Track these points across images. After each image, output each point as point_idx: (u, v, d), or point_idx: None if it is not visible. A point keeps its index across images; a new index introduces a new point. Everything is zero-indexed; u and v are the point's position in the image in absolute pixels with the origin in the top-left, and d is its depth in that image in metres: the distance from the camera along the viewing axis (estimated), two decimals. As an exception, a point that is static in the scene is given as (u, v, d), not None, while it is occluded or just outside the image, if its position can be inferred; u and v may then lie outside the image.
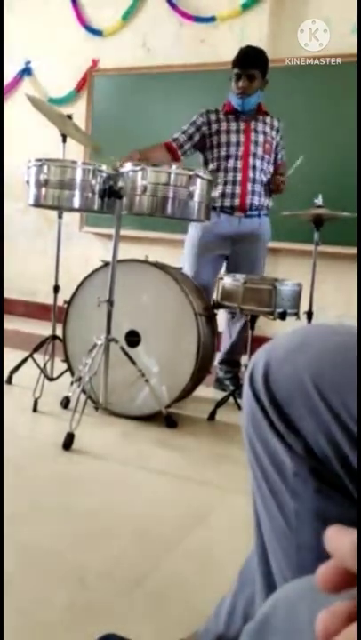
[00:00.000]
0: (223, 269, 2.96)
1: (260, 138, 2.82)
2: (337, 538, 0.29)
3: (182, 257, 2.98)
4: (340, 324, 0.70)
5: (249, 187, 2.80)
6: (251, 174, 2.80)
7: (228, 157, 2.80)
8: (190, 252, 2.93)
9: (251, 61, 2.70)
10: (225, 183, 2.80)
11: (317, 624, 0.28)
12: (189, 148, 2.85)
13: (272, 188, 2.88)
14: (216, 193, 2.74)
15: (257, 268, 2.91)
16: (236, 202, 2.81)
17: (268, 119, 2.86)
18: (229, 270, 2.89)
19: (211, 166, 2.86)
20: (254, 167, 2.81)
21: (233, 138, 2.80)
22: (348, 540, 0.28)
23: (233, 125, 2.81)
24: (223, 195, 2.80)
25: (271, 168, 2.91)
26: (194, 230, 2.92)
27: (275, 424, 0.61)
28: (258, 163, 2.82)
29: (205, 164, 2.90)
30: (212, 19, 3.91)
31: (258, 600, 0.68)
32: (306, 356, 0.60)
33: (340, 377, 0.57)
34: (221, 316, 2.82)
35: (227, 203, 2.81)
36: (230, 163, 2.80)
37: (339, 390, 0.56)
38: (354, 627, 0.26)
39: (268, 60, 2.77)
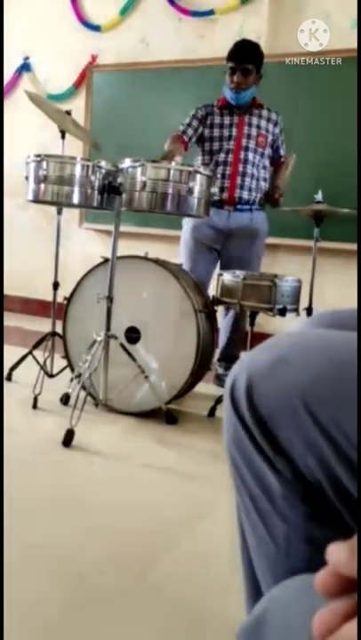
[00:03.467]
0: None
1: (254, 131, 2.81)
2: (335, 549, 0.28)
3: (179, 253, 2.99)
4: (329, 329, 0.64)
5: (238, 180, 2.80)
6: (241, 168, 2.80)
7: (219, 151, 2.81)
8: (184, 247, 2.94)
9: (246, 55, 2.69)
10: (215, 176, 2.80)
11: (315, 622, 0.28)
12: (195, 141, 2.86)
13: (270, 198, 2.88)
14: (213, 188, 2.73)
15: (250, 264, 2.87)
16: (225, 195, 2.81)
17: (264, 112, 2.85)
18: (222, 266, 2.89)
19: (204, 160, 2.86)
20: (246, 161, 2.80)
21: (226, 132, 2.80)
22: (343, 548, 0.28)
23: (227, 119, 2.81)
24: None
25: (267, 162, 2.90)
26: (185, 226, 2.93)
27: (260, 444, 0.56)
28: (250, 156, 2.81)
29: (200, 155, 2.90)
30: (210, 12, 3.89)
31: (246, 612, 0.66)
32: (293, 368, 0.54)
33: (330, 391, 0.51)
34: (219, 313, 2.82)
35: (216, 196, 2.80)
36: (221, 156, 2.81)
37: (329, 406, 0.51)
38: (351, 625, 0.26)
39: (264, 54, 2.76)
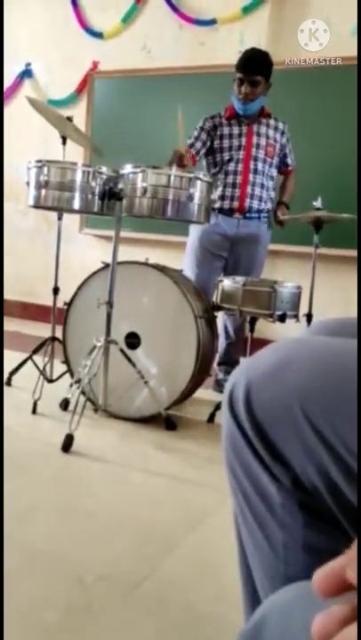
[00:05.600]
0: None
1: (263, 141, 2.82)
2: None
3: (184, 259, 3.00)
4: (326, 337, 0.64)
5: (249, 189, 2.81)
6: (251, 178, 2.81)
7: (229, 161, 2.81)
8: (190, 253, 2.94)
9: (255, 67, 2.68)
10: (225, 185, 2.81)
11: (314, 626, 0.28)
12: (203, 154, 2.86)
13: (276, 218, 2.92)
14: (215, 195, 2.75)
15: (255, 271, 2.92)
16: (235, 204, 2.82)
17: (271, 122, 2.86)
18: (227, 272, 2.90)
19: (213, 170, 2.87)
20: (255, 170, 2.81)
21: (235, 141, 2.80)
22: (343, 557, 0.28)
23: (235, 129, 2.81)
24: (223, 197, 2.81)
25: (275, 172, 2.92)
26: (194, 232, 2.93)
27: (258, 451, 0.56)
28: (260, 166, 2.82)
29: (207, 167, 2.91)
30: (212, 21, 3.92)
31: (244, 618, 0.65)
32: (292, 375, 0.53)
33: (329, 398, 0.51)
34: (219, 319, 2.82)
35: (226, 205, 2.82)
36: (231, 166, 2.81)
37: (328, 413, 0.50)
38: (351, 629, 0.26)
39: (273, 63, 2.76)
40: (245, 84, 2.69)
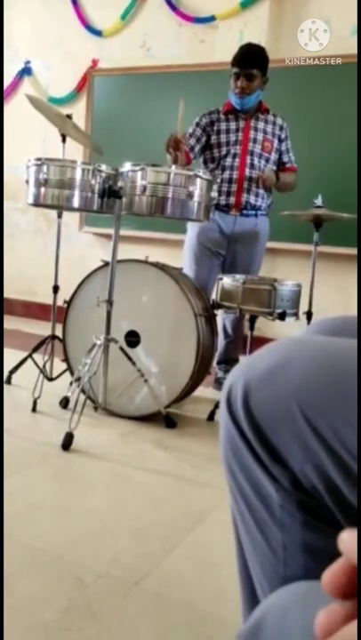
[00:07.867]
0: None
1: (260, 136, 2.81)
2: (351, 539, 0.28)
3: (183, 257, 2.99)
4: (328, 337, 0.64)
5: (245, 185, 2.80)
6: (248, 173, 2.80)
7: (226, 156, 2.81)
8: (188, 251, 2.94)
9: (250, 61, 2.68)
10: (222, 181, 2.80)
11: (317, 622, 0.27)
12: (198, 150, 2.85)
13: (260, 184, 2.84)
14: (213, 193, 2.73)
15: (253, 268, 2.90)
16: (232, 200, 2.81)
17: (270, 117, 2.85)
18: (225, 270, 2.90)
19: (210, 166, 2.86)
20: (252, 165, 2.80)
21: (232, 137, 2.79)
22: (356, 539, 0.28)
23: (232, 124, 2.80)
24: (219, 192, 2.80)
25: (272, 168, 2.90)
26: (191, 230, 2.93)
27: (257, 452, 0.55)
28: (256, 161, 2.81)
29: (205, 162, 2.90)
30: (211, 18, 3.90)
31: (243, 619, 0.65)
32: (291, 375, 0.53)
33: (328, 399, 0.50)
34: (218, 317, 2.82)
35: (222, 201, 2.81)
36: (228, 161, 2.80)
37: (328, 414, 0.50)
38: (352, 625, 0.26)
39: (269, 58, 2.75)
40: (241, 77, 2.68)
